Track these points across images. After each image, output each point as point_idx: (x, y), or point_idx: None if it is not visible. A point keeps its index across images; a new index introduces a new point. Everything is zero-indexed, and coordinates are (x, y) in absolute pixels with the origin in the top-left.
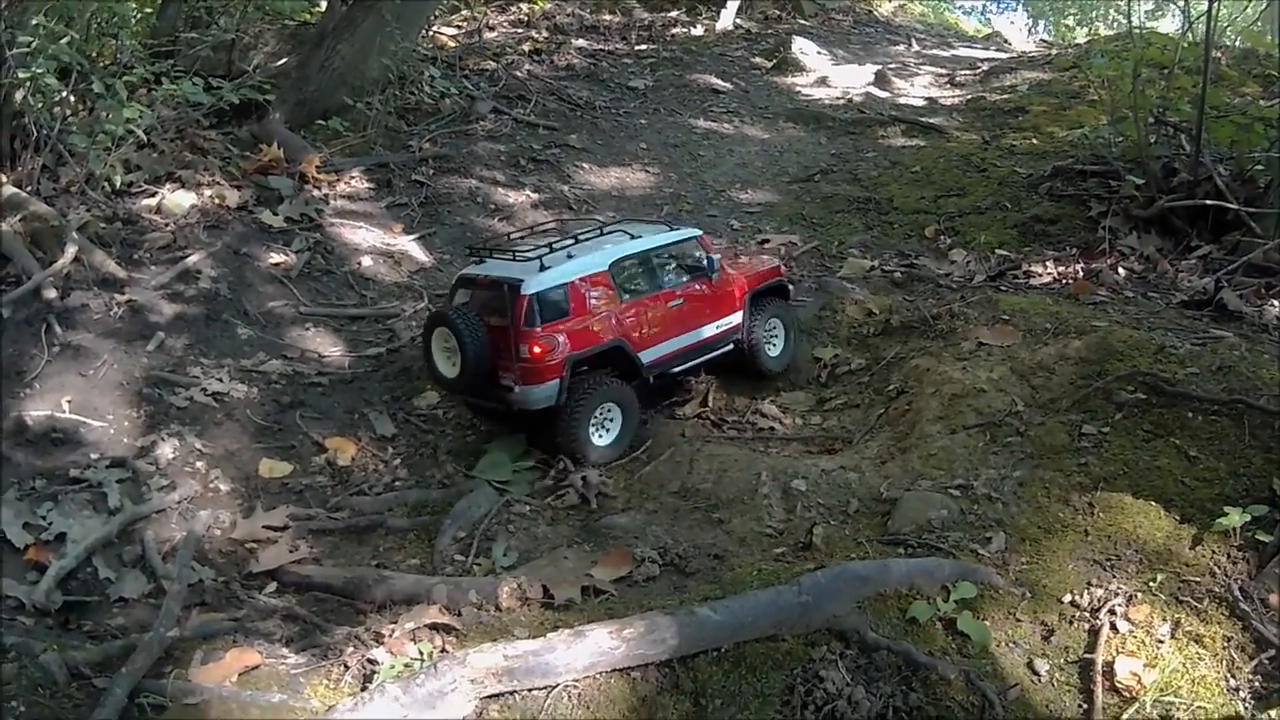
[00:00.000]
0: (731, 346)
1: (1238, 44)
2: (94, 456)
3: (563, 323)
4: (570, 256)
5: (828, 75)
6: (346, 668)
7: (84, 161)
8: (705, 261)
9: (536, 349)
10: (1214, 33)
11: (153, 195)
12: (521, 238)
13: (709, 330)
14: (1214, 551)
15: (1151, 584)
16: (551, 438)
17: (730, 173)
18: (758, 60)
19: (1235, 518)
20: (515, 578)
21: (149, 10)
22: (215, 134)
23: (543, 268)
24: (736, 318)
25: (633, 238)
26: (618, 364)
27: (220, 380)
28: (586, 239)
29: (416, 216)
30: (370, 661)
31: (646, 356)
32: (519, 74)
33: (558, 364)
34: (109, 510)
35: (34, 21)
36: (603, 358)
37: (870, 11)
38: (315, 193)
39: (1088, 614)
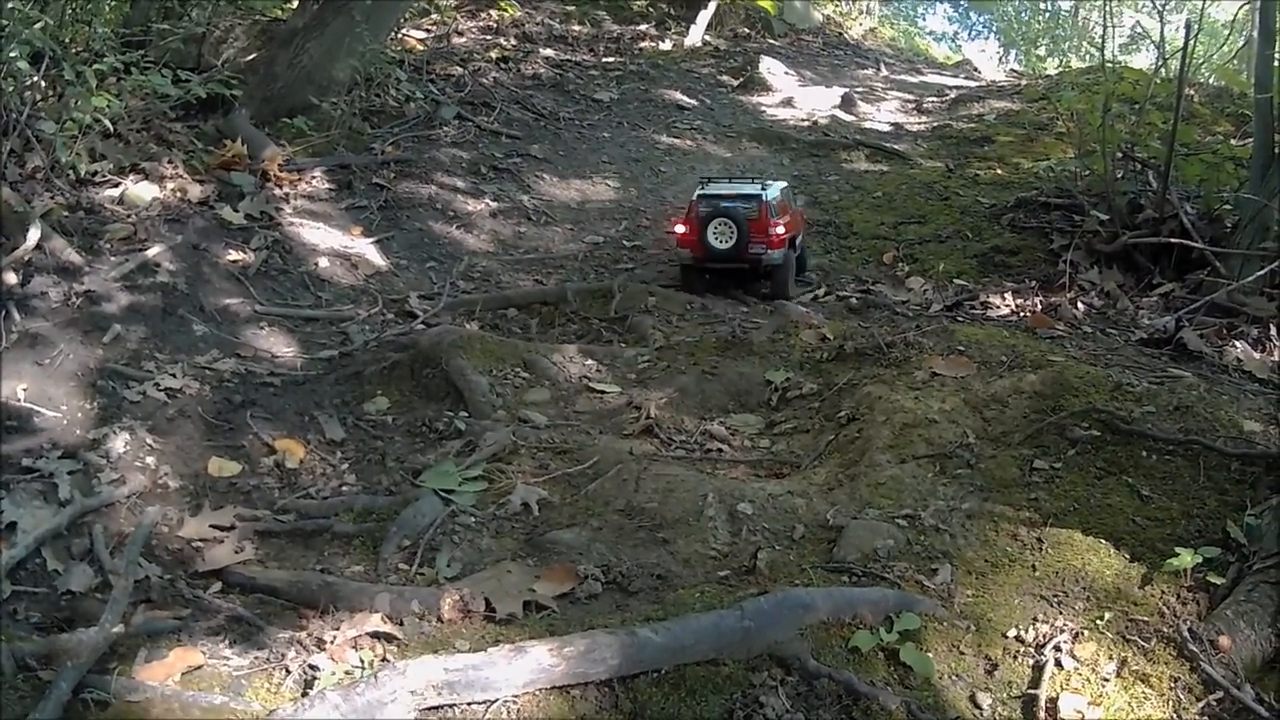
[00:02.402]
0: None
1: (1212, 81)
2: (46, 446)
3: (780, 217)
4: (765, 186)
5: (794, 96)
6: (288, 672)
7: (50, 148)
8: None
9: (780, 229)
10: (1189, 69)
11: (116, 186)
12: (709, 180)
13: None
14: (1164, 592)
15: (1099, 622)
16: (771, 286)
17: (691, 189)
18: (724, 78)
19: (1187, 559)
20: (458, 589)
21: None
22: (181, 127)
23: (764, 188)
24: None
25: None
26: (793, 244)
27: (174, 376)
28: (756, 180)
29: (375, 220)
30: (312, 667)
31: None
32: (485, 81)
33: (785, 238)
34: (60, 501)
35: (9, 5)
36: (792, 239)
37: (840, 35)
38: (276, 191)
39: (1033, 649)
